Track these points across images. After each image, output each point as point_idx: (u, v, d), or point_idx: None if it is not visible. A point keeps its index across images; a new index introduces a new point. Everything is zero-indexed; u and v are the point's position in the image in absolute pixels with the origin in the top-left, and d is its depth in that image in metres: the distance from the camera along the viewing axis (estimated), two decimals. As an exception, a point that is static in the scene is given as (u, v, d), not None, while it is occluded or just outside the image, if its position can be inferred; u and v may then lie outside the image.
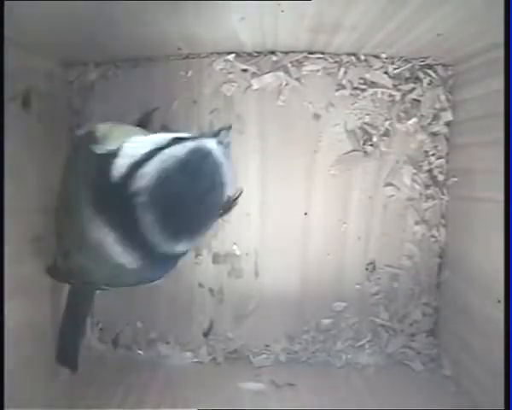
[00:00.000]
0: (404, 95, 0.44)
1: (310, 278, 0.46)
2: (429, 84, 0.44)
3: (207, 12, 0.32)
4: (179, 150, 0.25)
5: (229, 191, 0.28)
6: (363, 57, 0.44)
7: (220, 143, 0.27)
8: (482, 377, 0.37)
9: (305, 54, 0.44)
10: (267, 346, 0.46)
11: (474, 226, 0.40)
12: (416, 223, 0.45)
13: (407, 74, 0.44)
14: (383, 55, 0.43)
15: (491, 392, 0.35)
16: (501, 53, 0.32)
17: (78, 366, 0.38)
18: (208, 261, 0.46)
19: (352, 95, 0.44)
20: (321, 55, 0.44)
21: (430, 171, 0.45)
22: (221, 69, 0.44)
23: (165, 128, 0.44)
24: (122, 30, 0.35)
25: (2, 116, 0.31)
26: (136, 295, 0.46)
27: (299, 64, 0.44)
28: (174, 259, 0.30)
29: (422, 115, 0.44)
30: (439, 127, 0.44)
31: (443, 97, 0.44)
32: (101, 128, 0.30)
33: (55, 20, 0.31)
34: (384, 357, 0.46)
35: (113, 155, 0.26)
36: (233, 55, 0.44)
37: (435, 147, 0.45)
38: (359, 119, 0.44)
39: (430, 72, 0.44)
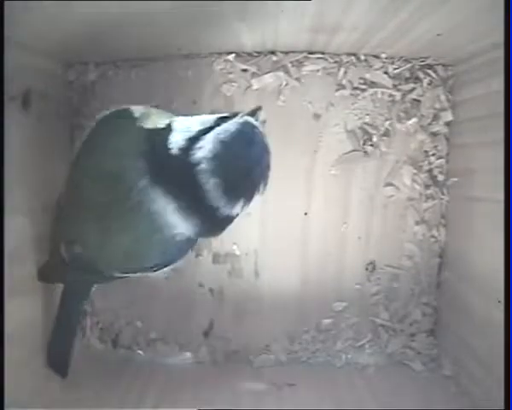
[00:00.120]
0: (404, 95, 0.44)
1: (310, 278, 0.46)
2: (429, 84, 0.44)
3: (207, 12, 0.32)
4: (231, 125, 0.28)
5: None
6: (363, 57, 0.44)
7: (256, 120, 0.30)
8: (482, 377, 0.37)
9: (305, 54, 0.44)
10: (267, 346, 0.46)
11: (474, 226, 0.40)
12: (416, 223, 0.45)
13: (407, 74, 0.44)
14: (383, 55, 0.43)
15: (491, 392, 0.35)
16: (501, 53, 0.32)
17: (68, 371, 0.38)
18: (208, 261, 0.46)
19: (352, 95, 0.44)
20: (321, 55, 0.44)
21: (430, 171, 0.45)
22: (221, 69, 0.44)
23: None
24: (122, 30, 0.35)
25: (2, 116, 0.31)
26: (136, 296, 0.46)
27: (299, 64, 0.44)
28: (228, 223, 0.31)
29: (422, 115, 0.44)
30: (439, 127, 0.44)
31: (443, 97, 0.44)
32: (139, 108, 0.31)
33: (55, 20, 0.31)
34: (384, 357, 0.46)
35: (167, 130, 0.28)
36: (233, 55, 0.44)
37: (435, 147, 0.45)
38: (359, 119, 0.44)
39: (430, 72, 0.44)
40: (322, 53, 0.44)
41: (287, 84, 0.44)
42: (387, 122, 0.44)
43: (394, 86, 0.44)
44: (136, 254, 0.31)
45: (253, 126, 0.29)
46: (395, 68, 0.44)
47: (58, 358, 0.38)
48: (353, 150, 0.45)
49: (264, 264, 0.46)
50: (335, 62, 0.44)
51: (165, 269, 0.33)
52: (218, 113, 0.44)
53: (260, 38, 0.40)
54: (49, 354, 0.38)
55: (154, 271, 0.34)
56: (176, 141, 0.27)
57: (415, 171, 0.45)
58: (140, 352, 0.47)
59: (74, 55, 0.43)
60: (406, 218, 0.45)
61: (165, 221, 0.28)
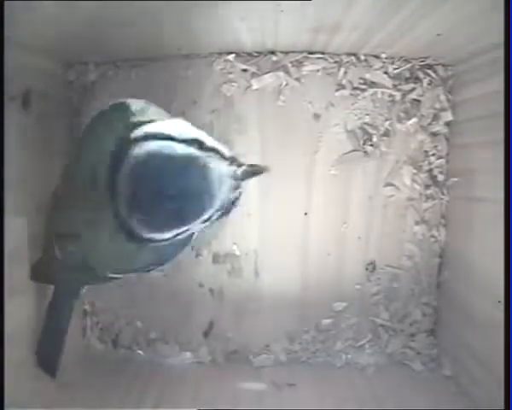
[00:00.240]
0: (404, 95, 0.44)
1: (310, 278, 0.46)
2: (429, 84, 0.44)
3: (207, 12, 0.32)
4: (172, 149, 0.26)
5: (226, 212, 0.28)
6: (363, 57, 0.44)
7: (236, 175, 0.28)
8: (482, 377, 0.37)
9: (305, 54, 0.44)
10: (267, 346, 0.46)
11: (474, 226, 0.40)
12: (416, 223, 0.45)
13: (407, 74, 0.44)
14: (383, 55, 0.43)
15: (491, 392, 0.35)
16: (501, 53, 0.32)
17: (56, 371, 0.37)
18: (208, 261, 0.46)
19: (352, 95, 0.44)
20: (321, 55, 0.44)
21: (430, 171, 0.45)
22: (221, 69, 0.44)
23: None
24: (122, 30, 0.35)
25: (2, 116, 0.31)
26: (136, 296, 0.46)
27: (299, 64, 0.44)
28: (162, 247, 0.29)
29: (422, 115, 0.44)
30: (439, 127, 0.44)
31: (443, 97, 0.44)
32: (138, 103, 0.30)
33: (55, 20, 0.31)
34: (384, 357, 0.46)
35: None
36: (233, 55, 0.44)
37: (435, 147, 0.45)
38: (359, 119, 0.44)
39: (430, 72, 0.44)
40: (322, 53, 0.44)
41: (287, 84, 0.44)
42: (387, 122, 0.44)
43: (394, 86, 0.44)
44: (127, 255, 0.30)
45: (201, 167, 0.26)
46: (395, 68, 0.44)
47: (47, 358, 0.38)
48: (353, 150, 0.45)
49: (264, 264, 0.46)
50: (335, 62, 0.44)
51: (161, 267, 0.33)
52: (218, 113, 0.45)
53: (260, 38, 0.40)
54: (38, 353, 0.37)
55: (148, 271, 0.34)
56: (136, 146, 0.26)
57: (415, 171, 0.45)
58: (140, 352, 0.47)
59: (74, 55, 0.43)
60: (406, 218, 0.45)
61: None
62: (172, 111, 0.44)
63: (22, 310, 0.36)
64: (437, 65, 0.44)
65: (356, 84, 0.44)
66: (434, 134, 0.44)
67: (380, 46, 0.41)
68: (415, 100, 0.44)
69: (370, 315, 0.46)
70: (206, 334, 0.47)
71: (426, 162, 0.45)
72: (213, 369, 0.45)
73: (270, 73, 0.44)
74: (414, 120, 0.44)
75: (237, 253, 0.46)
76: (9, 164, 0.32)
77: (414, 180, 0.45)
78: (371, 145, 0.44)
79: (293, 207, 0.45)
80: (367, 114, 0.44)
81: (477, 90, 0.39)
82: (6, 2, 0.26)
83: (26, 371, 0.36)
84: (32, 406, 0.35)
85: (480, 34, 0.34)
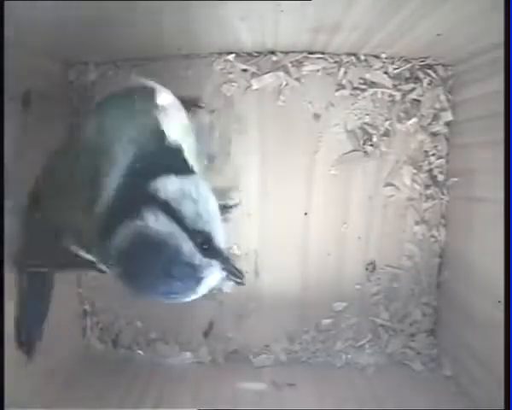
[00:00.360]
0: (404, 95, 0.44)
1: (310, 278, 0.46)
2: (429, 84, 0.44)
3: (207, 12, 0.32)
4: (172, 238, 0.26)
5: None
6: (363, 57, 0.44)
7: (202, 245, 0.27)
8: (482, 377, 0.37)
9: (305, 54, 0.44)
10: (267, 346, 0.46)
11: (474, 226, 0.40)
12: (416, 223, 0.45)
13: (407, 74, 0.44)
14: (383, 55, 0.43)
15: (491, 392, 0.35)
16: (501, 53, 0.32)
17: (35, 351, 0.35)
18: (208, 261, 0.46)
19: (352, 95, 0.44)
20: (321, 55, 0.44)
21: (430, 171, 0.45)
22: (221, 69, 0.44)
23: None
24: (122, 30, 0.35)
25: (2, 116, 0.31)
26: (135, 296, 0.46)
27: (299, 64, 0.44)
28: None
29: (422, 115, 0.44)
30: (439, 127, 0.44)
31: (443, 97, 0.44)
32: (166, 96, 0.31)
33: (55, 20, 0.31)
34: (384, 357, 0.46)
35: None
36: (233, 55, 0.44)
37: (435, 147, 0.45)
38: (359, 119, 0.44)
39: (430, 72, 0.44)
40: (322, 53, 0.44)
41: (287, 84, 0.44)
42: (387, 122, 0.44)
43: (394, 86, 0.44)
44: None
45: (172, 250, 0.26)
46: (395, 68, 0.44)
47: (26, 336, 0.35)
48: (353, 150, 0.45)
49: (264, 264, 0.46)
50: (335, 62, 0.44)
51: None
52: (218, 113, 0.45)
53: (260, 38, 0.40)
54: (16, 330, 0.35)
55: None
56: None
57: (415, 171, 0.45)
58: (140, 352, 0.47)
59: (74, 55, 0.43)
60: (406, 218, 0.45)
61: None
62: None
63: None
64: (437, 65, 0.44)
65: (356, 84, 0.44)
66: (434, 134, 0.44)
67: (380, 46, 0.41)
68: (415, 100, 0.44)
69: (370, 315, 0.46)
70: (206, 334, 0.47)
71: (426, 162, 0.45)
72: (213, 369, 0.45)
73: (270, 73, 0.44)
74: (414, 120, 0.44)
75: (237, 253, 0.46)
76: (9, 164, 0.32)
77: (414, 180, 0.45)
78: (371, 145, 0.44)
79: (293, 207, 0.45)
80: (367, 114, 0.44)
81: (477, 90, 0.39)
82: (6, 2, 0.26)
83: (26, 371, 0.36)
84: (32, 406, 0.35)
85: (480, 34, 0.34)
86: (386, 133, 0.44)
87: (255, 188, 0.45)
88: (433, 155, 0.45)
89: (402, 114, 0.44)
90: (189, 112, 0.34)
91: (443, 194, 0.45)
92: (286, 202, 0.45)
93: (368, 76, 0.44)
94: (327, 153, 0.45)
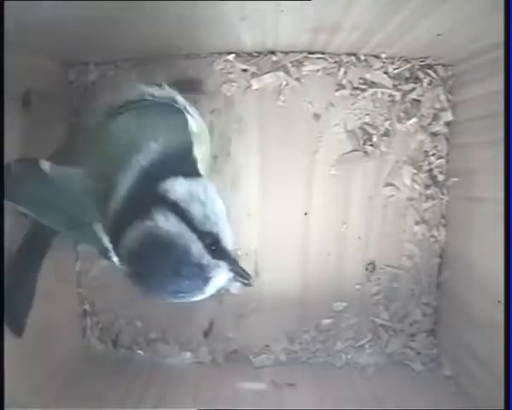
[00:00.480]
0: (404, 95, 0.44)
1: (310, 278, 0.46)
2: (429, 84, 0.44)
3: (207, 12, 0.32)
4: (180, 237, 0.27)
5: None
6: (363, 57, 0.44)
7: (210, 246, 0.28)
8: (482, 377, 0.37)
9: (305, 54, 0.44)
10: (267, 346, 0.46)
11: (474, 226, 0.40)
12: (416, 223, 0.45)
13: (407, 74, 0.44)
14: (383, 55, 0.43)
15: (491, 392, 0.35)
16: (501, 53, 0.32)
17: (23, 330, 0.34)
18: (208, 261, 0.46)
19: (352, 95, 0.44)
20: (321, 55, 0.44)
21: (430, 171, 0.45)
22: (221, 69, 0.44)
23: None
24: (122, 30, 0.35)
25: (2, 116, 0.31)
26: (136, 295, 0.46)
27: (299, 64, 0.44)
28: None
29: (422, 115, 0.44)
30: (439, 127, 0.44)
31: (443, 97, 0.44)
32: (198, 122, 0.32)
33: (55, 20, 0.31)
34: (384, 357, 0.46)
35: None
36: (233, 55, 0.44)
37: (435, 147, 0.45)
38: (359, 119, 0.44)
39: (430, 72, 0.44)
40: (322, 53, 0.44)
41: (287, 84, 0.44)
42: (387, 122, 0.44)
43: (394, 86, 0.44)
44: None
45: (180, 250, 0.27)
46: (395, 68, 0.44)
47: (14, 313, 0.34)
48: (353, 150, 0.45)
49: (264, 264, 0.46)
50: (335, 62, 0.44)
51: None
52: (218, 113, 0.45)
53: (260, 38, 0.40)
54: (5, 309, 0.33)
55: None
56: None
57: (415, 171, 0.45)
58: (140, 352, 0.47)
59: (74, 55, 0.43)
60: (406, 218, 0.45)
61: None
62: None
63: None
64: (437, 65, 0.44)
65: (356, 84, 0.44)
66: (434, 134, 0.44)
67: (380, 46, 0.41)
68: (415, 100, 0.44)
69: (370, 315, 0.46)
70: (206, 334, 0.47)
71: (426, 162, 0.45)
72: (213, 369, 0.45)
73: (270, 73, 0.44)
74: (414, 120, 0.44)
75: (237, 253, 0.46)
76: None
77: (414, 180, 0.45)
78: (371, 145, 0.44)
79: (293, 207, 0.45)
80: (367, 114, 0.44)
81: (477, 90, 0.39)
82: (6, 2, 0.26)
83: (26, 371, 0.36)
84: (32, 406, 0.35)
85: (480, 34, 0.34)
86: (386, 133, 0.44)
87: (255, 188, 0.45)
88: (433, 155, 0.45)
89: (402, 114, 0.44)
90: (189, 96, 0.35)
91: (443, 194, 0.45)
92: (286, 202, 0.45)
93: (368, 76, 0.44)
94: (327, 153, 0.45)
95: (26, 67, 0.37)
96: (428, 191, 0.45)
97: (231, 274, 0.29)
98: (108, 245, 0.29)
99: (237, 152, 0.45)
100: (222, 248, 0.28)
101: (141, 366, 0.45)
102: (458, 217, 0.43)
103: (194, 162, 0.30)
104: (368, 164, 0.45)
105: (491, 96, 0.36)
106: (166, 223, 0.26)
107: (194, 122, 0.31)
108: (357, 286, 0.46)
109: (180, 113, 0.31)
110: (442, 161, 0.45)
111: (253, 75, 0.44)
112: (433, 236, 0.45)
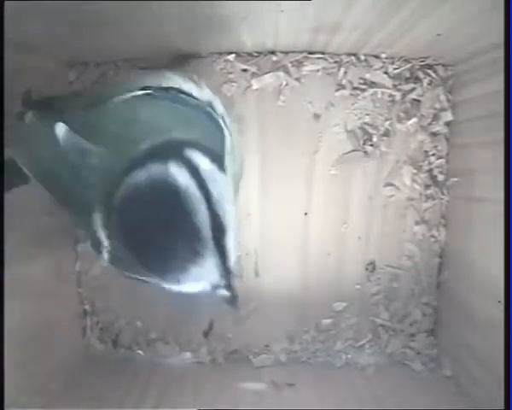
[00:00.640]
0: (404, 95, 0.44)
1: (310, 278, 0.46)
2: (429, 84, 0.44)
3: (208, 12, 0.32)
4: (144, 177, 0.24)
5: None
6: (363, 57, 0.44)
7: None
8: (482, 377, 0.37)
9: (305, 54, 0.44)
10: (267, 346, 0.46)
11: (474, 226, 0.40)
12: (416, 223, 0.45)
13: (407, 74, 0.44)
14: (383, 55, 0.43)
15: (491, 392, 0.35)
16: (501, 53, 0.32)
17: None
18: (208, 261, 0.46)
19: (352, 95, 0.44)
20: (321, 55, 0.44)
21: (430, 171, 0.45)
22: (221, 69, 0.44)
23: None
24: (122, 30, 0.35)
25: (2, 116, 0.31)
26: (136, 295, 0.46)
27: (299, 64, 0.44)
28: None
29: (422, 115, 0.44)
30: (439, 127, 0.44)
31: (443, 97, 0.44)
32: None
33: (55, 20, 0.31)
34: (384, 357, 0.46)
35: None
36: (233, 55, 0.44)
37: (435, 147, 0.45)
38: (359, 119, 0.44)
39: (430, 72, 0.44)
40: (322, 53, 0.44)
41: (287, 84, 0.44)
42: (387, 122, 0.44)
43: (394, 86, 0.44)
44: None
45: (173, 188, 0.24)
46: (395, 68, 0.44)
47: None
48: (353, 150, 0.45)
49: (264, 264, 0.46)
50: (335, 62, 0.44)
51: None
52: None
53: (260, 38, 0.40)
54: None
55: None
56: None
57: (415, 171, 0.45)
58: (140, 352, 0.47)
59: (74, 55, 0.43)
60: (406, 218, 0.45)
61: None
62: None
63: (22, 310, 0.36)
64: (437, 65, 0.44)
65: (356, 84, 0.44)
66: (434, 134, 0.44)
67: (380, 46, 0.41)
68: (415, 100, 0.44)
69: (370, 315, 0.46)
70: (206, 334, 0.47)
71: (426, 162, 0.45)
72: (213, 369, 0.45)
73: (270, 73, 0.44)
74: (414, 120, 0.44)
75: (237, 253, 0.46)
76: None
77: (414, 180, 0.45)
78: (371, 145, 0.44)
79: (293, 207, 0.45)
80: (367, 114, 0.44)
81: (477, 90, 0.39)
82: (6, 2, 0.26)
83: (26, 371, 0.36)
84: (32, 406, 0.35)
85: (480, 34, 0.34)
86: (386, 133, 0.44)
87: (255, 188, 0.45)
88: (433, 155, 0.45)
89: (402, 114, 0.44)
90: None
91: (443, 194, 0.45)
92: (286, 202, 0.45)
93: (368, 76, 0.44)
94: (327, 153, 0.45)
95: (26, 67, 0.37)
96: (428, 191, 0.45)
97: (218, 281, 0.27)
98: (103, 240, 0.27)
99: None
100: (223, 242, 0.26)
101: (141, 366, 0.45)
102: (458, 217, 0.43)
103: (222, 159, 0.28)
104: (368, 164, 0.45)
105: (491, 96, 0.36)
106: (179, 174, 0.23)
107: (231, 139, 0.29)
108: (357, 286, 0.46)
109: (217, 123, 0.29)
110: (442, 161, 0.45)
111: (253, 75, 0.44)
112: (433, 236, 0.45)
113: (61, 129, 0.27)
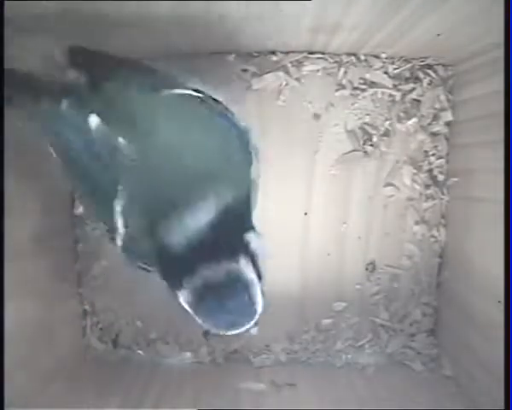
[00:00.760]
0: (404, 95, 0.44)
1: (310, 277, 0.46)
2: (429, 84, 0.44)
3: (207, 12, 0.32)
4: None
5: None
6: (363, 57, 0.44)
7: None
8: (482, 377, 0.37)
9: (305, 54, 0.44)
10: (267, 346, 0.46)
11: (473, 226, 0.40)
12: (416, 223, 0.45)
13: (407, 74, 0.44)
14: (383, 55, 0.43)
15: (491, 392, 0.35)
16: (501, 53, 0.32)
17: None
18: (208, 261, 0.46)
19: (352, 95, 0.44)
20: (321, 55, 0.44)
21: (430, 171, 0.45)
22: (221, 69, 0.44)
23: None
24: (122, 30, 0.35)
25: (2, 116, 0.31)
26: (136, 296, 0.46)
27: (299, 64, 0.44)
28: None
29: (422, 115, 0.44)
30: (439, 127, 0.44)
31: (443, 97, 0.44)
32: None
33: (55, 19, 0.31)
34: (384, 357, 0.46)
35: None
36: (233, 55, 0.44)
37: (435, 147, 0.45)
38: (359, 119, 0.44)
39: (430, 72, 0.44)
40: (322, 53, 0.44)
41: (287, 84, 0.44)
42: (387, 122, 0.44)
43: (394, 86, 0.44)
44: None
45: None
46: (395, 68, 0.44)
47: None
48: (353, 150, 0.45)
49: (263, 264, 0.46)
50: (335, 62, 0.44)
51: None
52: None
53: (260, 38, 0.40)
54: None
55: None
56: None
57: (415, 171, 0.45)
58: (140, 352, 0.47)
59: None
60: (406, 218, 0.45)
61: None
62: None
63: (22, 310, 0.36)
64: (437, 65, 0.44)
65: (356, 84, 0.44)
66: (434, 134, 0.44)
67: (380, 46, 0.41)
68: (415, 100, 0.44)
69: (370, 315, 0.46)
70: (206, 334, 0.47)
71: (426, 162, 0.45)
72: (213, 369, 0.45)
73: (270, 73, 0.44)
74: (414, 120, 0.44)
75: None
76: (9, 164, 0.32)
77: (414, 180, 0.45)
78: (371, 145, 0.44)
79: (293, 207, 0.45)
80: (367, 114, 0.44)
81: (477, 90, 0.39)
82: (6, 2, 0.26)
83: (26, 371, 0.36)
84: (32, 406, 0.35)
85: (480, 34, 0.34)
86: (386, 133, 0.44)
87: (255, 188, 0.45)
88: (433, 155, 0.45)
89: (402, 114, 0.44)
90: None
91: (443, 194, 0.45)
92: (286, 202, 0.45)
93: (368, 76, 0.44)
94: (327, 153, 0.45)
95: (26, 67, 0.37)
96: (428, 191, 0.45)
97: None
98: (120, 227, 0.28)
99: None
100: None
101: (141, 366, 0.45)
102: (458, 217, 0.43)
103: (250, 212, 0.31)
104: (368, 164, 0.45)
105: (491, 96, 0.36)
106: (247, 270, 0.29)
107: (257, 165, 0.30)
108: (357, 286, 0.46)
109: (246, 154, 0.30)
110: (442, 161, 0.45)
111: (253, 75, 0.44)
112: (433, 236, 0.45)
113: (94, 120, 0.27)
